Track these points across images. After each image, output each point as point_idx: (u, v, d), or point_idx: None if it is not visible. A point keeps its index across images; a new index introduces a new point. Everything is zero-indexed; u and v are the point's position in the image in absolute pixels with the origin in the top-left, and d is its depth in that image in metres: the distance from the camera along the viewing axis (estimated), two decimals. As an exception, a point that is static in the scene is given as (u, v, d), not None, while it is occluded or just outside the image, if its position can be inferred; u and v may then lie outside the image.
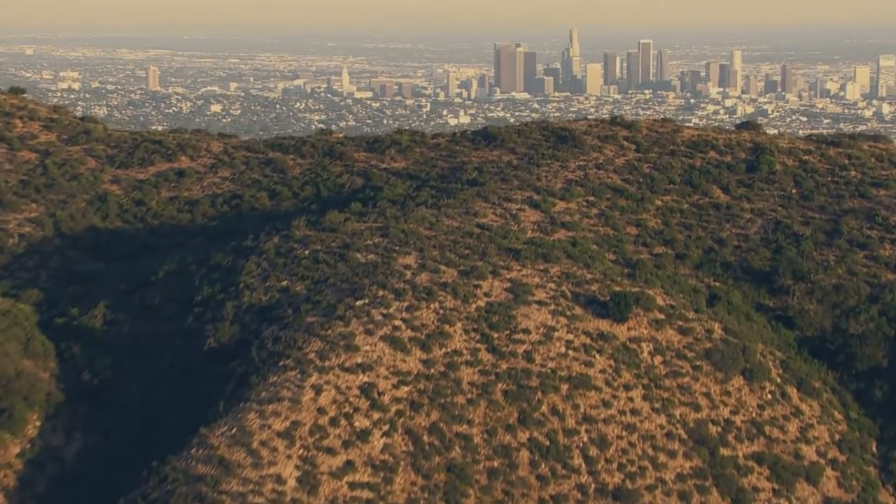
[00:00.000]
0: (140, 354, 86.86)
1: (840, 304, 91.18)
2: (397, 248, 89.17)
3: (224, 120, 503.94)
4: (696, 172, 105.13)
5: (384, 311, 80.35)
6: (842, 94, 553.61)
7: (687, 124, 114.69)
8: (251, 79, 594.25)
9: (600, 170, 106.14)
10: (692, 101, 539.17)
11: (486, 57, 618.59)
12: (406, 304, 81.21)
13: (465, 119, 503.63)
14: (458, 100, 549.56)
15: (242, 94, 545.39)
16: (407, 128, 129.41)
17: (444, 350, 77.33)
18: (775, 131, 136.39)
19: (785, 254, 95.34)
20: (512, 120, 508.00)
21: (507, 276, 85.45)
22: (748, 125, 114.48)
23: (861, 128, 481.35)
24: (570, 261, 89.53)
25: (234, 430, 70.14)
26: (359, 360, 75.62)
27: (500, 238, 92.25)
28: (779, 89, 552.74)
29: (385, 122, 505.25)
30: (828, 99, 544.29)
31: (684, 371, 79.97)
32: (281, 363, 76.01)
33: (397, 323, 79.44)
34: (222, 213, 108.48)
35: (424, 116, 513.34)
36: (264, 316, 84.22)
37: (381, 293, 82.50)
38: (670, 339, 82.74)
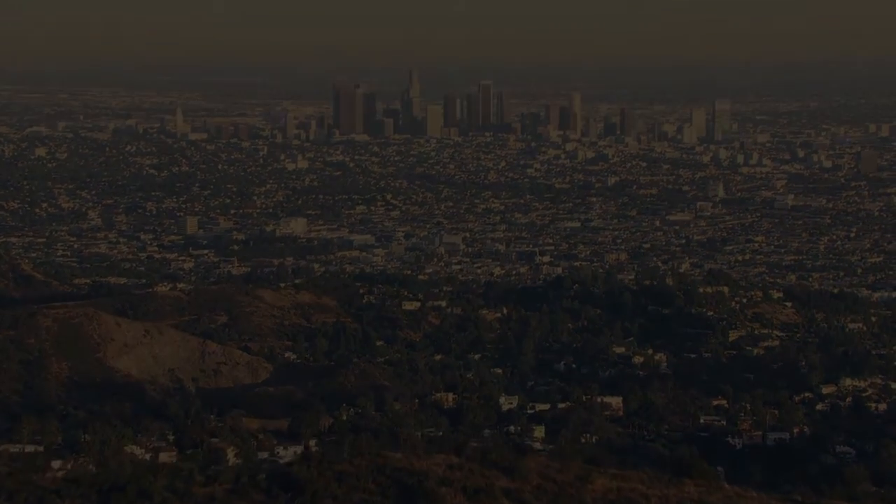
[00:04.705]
0: None
1: None
2: None
3: (50, 164, 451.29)
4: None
5: None
6: (679, 136, 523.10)
7: (598, 471, 70.51)
8: (81, 116, 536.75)
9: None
10: (533, 144, 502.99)
11: (325, 93, 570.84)
12: None
13: (303, 164, 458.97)
14: (296, 142, 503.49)
15: (71, 134, 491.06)
16: (171, 460, 77.87)
17: None
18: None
19: None
20: (351, 165, 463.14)
21: None
22: (682, 464, 69.00)
23: (700, 174, 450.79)
24: None
25: None
26: None
27: None
28: (618, 132, 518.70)
29: (220, 166, 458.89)
30: (666, 143, 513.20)
31: None
32: None
33: None
34: None
35: (261, 161, 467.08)
36: None
37: None
38: None
